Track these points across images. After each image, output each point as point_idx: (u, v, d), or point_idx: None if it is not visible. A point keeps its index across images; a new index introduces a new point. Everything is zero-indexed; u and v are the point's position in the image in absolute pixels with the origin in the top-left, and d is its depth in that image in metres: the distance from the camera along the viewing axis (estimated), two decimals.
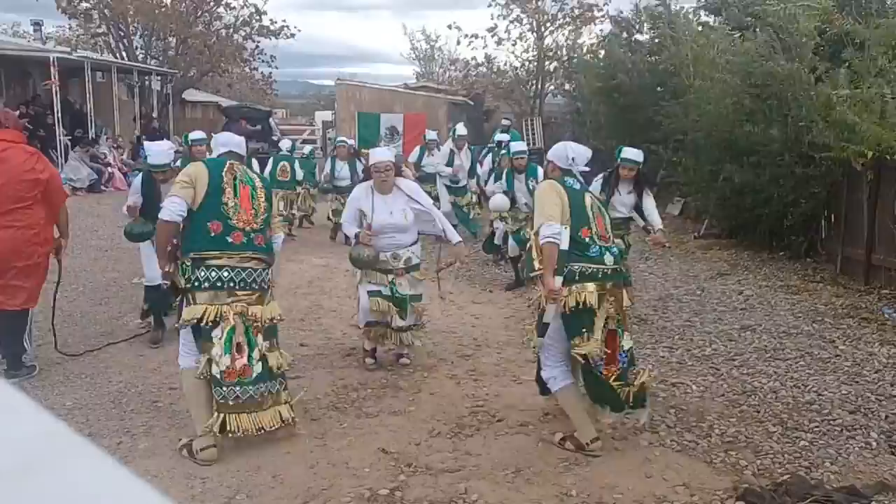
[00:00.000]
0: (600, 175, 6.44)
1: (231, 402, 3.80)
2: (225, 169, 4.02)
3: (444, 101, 20.33)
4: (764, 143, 8.86)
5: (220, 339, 3.77)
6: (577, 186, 4.13)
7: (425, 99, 19.98)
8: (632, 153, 6.38)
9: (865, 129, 6.93)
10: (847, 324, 6.43)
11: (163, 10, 22.98)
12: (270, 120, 23.18)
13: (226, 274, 3.83)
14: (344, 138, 11.40)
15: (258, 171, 5.75)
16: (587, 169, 4.33)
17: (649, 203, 6.39)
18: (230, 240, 3.87)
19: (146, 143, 6.07)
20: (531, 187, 7.51)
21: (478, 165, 10.64)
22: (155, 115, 21.92)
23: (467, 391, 4.85)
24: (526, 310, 7.09)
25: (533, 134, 20.42)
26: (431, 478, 3.66)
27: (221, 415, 3.77)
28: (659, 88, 13.03)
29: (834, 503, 3.41)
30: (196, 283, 3.81)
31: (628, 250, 6.60)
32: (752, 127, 8.99)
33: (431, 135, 11.55)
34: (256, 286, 3.93)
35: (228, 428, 3.77)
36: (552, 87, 24.06)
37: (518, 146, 8.24)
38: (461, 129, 11.02)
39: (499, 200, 7.99)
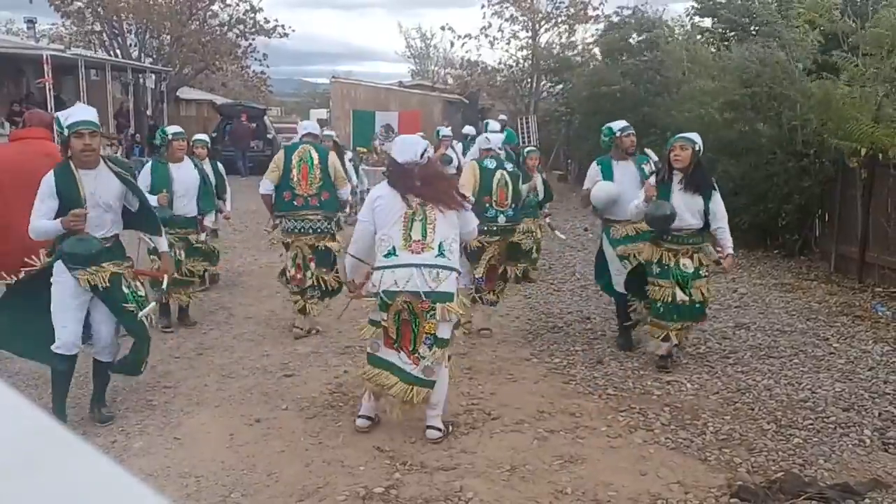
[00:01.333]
0: (652, 174, 5.32)
1: (297, 292, 6.03)
2: (295, 153, 5.95)
3: (439, 99, 20.36)
4: (757, 141, 8.89)
5: (290, 258, 6.00)
6: (492, 166, 5.92)
7: (420, 97, 20.00)
8: (686, 133, 5.29)
9: (860, 128, 6.95)
10: (841, 321, 6.46)
11: (157, 7, 22.89)
12: (265, 118, 23.14)
13: (295, 224, 5.88)
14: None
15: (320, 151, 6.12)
16: (500, 149, 6.28)
17: (718, 211, 5.11)
18: (295, 203, 5.85)
19: (58, 114, 4.32)
20: (646, 173, 5.55)
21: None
22: (149, 112, 21.84)
23: (462, 389, 4.85)
24: (521, 309, 7.10)
25: (528, 132, 20.43)
26: (426, 476, 3.66)
27: (297, 297, 6.05)
28: (649, 85, 13.08)
29: (827, 500, 3.43)
30: (282, 229, 6.00)
31: (698, 272, 5.10)
32: (744, 125, 9.01)
33: (445, 131, 10.86)
34: (313, 230, 5.89)
35: (298, 307, 6.07)
36: (546, 86, 24.07)
37: (620, 124, 5.89)
38: (494, 124, 9.76)
39: (603, 187, 5.64)
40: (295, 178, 5.84)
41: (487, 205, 5.74)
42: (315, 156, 5.94)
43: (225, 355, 5.58)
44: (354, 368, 5.25)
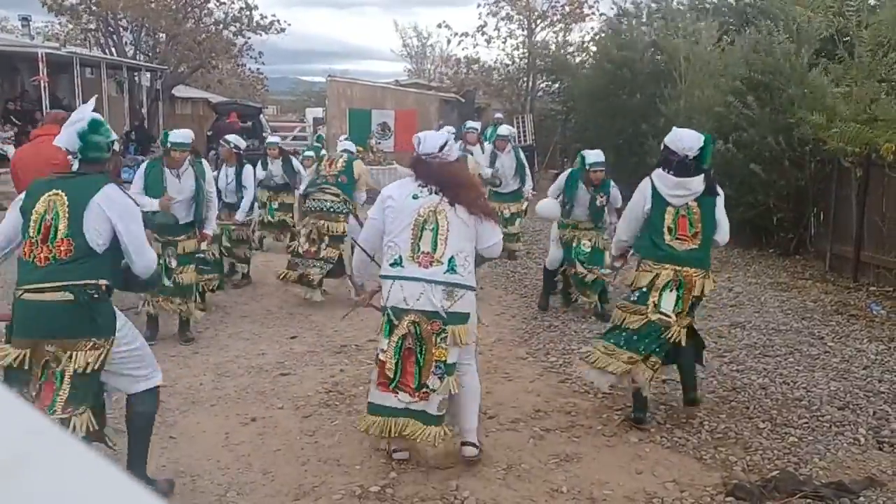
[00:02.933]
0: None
1: (296, 265, 6.98)
2: (328, 154, 8.02)
3: (436, 97, 20.33)
4: (753, 128, 8.91)
5: (304, 235, 6.96)
6: None
7: (416, 96, 19.97)
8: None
9: (853, 127, 6.95)
10: (836, 320, 6.47)
11: (152, 5, 22.82)
12: (261, 116, 23.10)
13: (314, 204, 6.99)
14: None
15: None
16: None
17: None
18: (318, 181, 7.12)
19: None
20: (598, 204, 6.51)
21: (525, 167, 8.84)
22: (144, 110, 21.76)
23: None
24: (517, 308, 7.10)
25: (524, 131, 20.44)
26: (422, 475, 3.66)
27: (288, 270, 7.02)
28: (653, 89, 13.10)
29: (822, 499, 3.44)
30: (305, 209, 7.26)
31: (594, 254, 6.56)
32: (741, 107, 9.00)
33: (472, 124, 10.01)
34: (326, 210, 6.91)
35: (288, 278, 7.03)
36: (543, 85, 24.07)
37: (592, 157, 6.62)
38: (503, 129, 9.38)
39: (549, 206, 6.54)
40: (323, 164, 7.29)
41: None
42: (345, 156, 7.27)
43: (220, 354, 5.57)
44: (351, 367, 5.26)
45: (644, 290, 4.15)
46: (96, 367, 3.06)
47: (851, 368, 5.26)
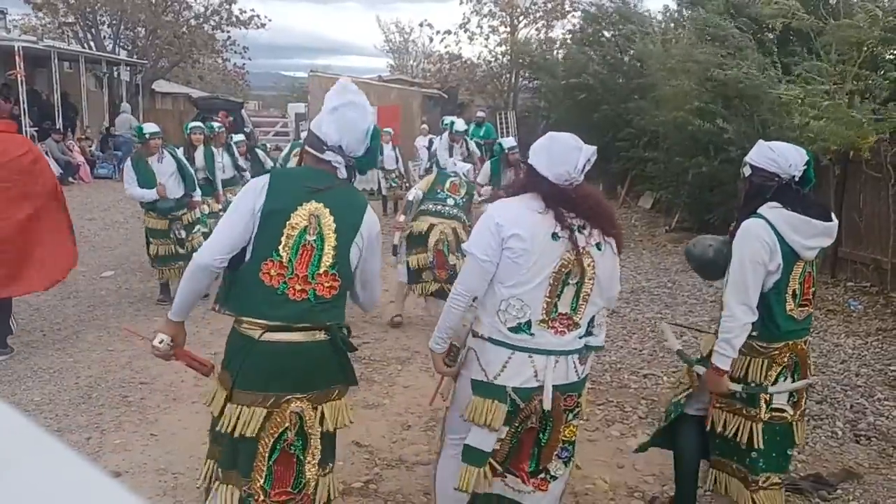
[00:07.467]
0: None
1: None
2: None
3: (419, 93, 20.30)
4: (727, 139, 8.98)
5: None
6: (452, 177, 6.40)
7: (399, 91, 19.93)
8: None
9: (823, 129, 7.00)
10: (814, 316, 6.54)
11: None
12: (242, 112, 22.96)
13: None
14: (197, 123, 7.88)
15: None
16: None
17: None
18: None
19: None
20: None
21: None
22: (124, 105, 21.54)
23: None
24: None
25: (507, 127, 20.47)
26: (406, 471, 3.67)
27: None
28: (622, 80, 13.13)
29: (800, 491, 3.48)
30: None
31: None
32: (712, 124, 9.05)
33: (460, 125, 9.65)
34: None
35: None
36: (525, 82, 24.14)
37: (510, 142, 8.08)
38: (460, 123, 9.51)
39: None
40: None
41: (439, 190, 5.99)
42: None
43: (202, 351, 5.49)
44: None
45: (753, 383, 2.88)
46: (348, 422, 2.52)
47: (829, 363, 5.33)
